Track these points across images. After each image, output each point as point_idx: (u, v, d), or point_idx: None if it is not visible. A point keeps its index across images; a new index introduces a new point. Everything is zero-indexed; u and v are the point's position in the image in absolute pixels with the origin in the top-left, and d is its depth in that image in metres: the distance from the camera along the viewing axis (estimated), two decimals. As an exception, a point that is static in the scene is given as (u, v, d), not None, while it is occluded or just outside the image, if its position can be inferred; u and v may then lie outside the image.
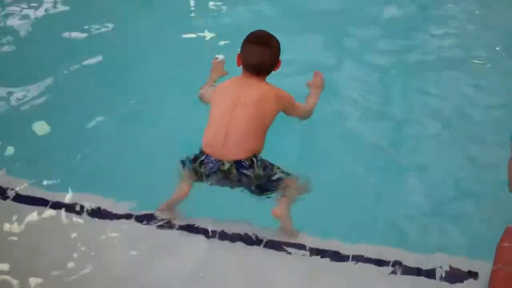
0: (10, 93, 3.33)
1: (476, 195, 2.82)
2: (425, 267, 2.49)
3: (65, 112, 3.25)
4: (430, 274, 2.47)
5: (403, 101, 3.37)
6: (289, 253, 2.55)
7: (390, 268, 2.49)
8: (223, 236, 2.61)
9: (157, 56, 3.62)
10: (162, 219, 2.65)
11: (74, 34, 3.84)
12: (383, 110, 3.31)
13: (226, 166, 2.54)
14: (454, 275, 2.46)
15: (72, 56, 3.61)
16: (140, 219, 2.67)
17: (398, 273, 2.47)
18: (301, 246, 2.57)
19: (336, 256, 2.54)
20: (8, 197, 2.75)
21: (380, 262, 2.51)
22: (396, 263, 2.50)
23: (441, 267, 2.48)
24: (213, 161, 2.55)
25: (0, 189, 2.79)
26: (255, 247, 2.58)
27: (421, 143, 3.11)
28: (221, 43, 3.73)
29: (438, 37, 3.88)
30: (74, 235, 2.60)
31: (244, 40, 2.75)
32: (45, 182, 2.83)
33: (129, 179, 2.85)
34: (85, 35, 3.82)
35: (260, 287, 2.45)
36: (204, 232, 2.62)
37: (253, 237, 2.60)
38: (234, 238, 2.60)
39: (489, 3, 4.19)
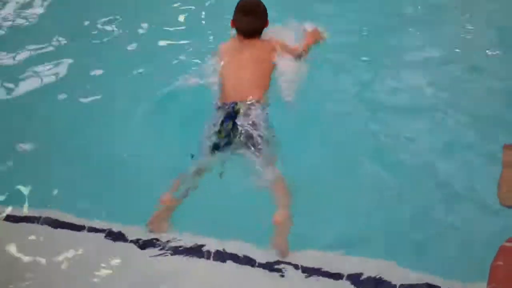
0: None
1: (466, 211, 2.76)
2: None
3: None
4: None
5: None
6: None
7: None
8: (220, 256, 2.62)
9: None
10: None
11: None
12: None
13: (239, 105, 2.93)
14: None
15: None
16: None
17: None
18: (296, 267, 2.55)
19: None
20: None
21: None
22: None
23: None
24: (229, 104, 2.94)
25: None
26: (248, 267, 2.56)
27: (406, 162, 3.04)
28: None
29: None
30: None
31: (236, 9, 3.15)
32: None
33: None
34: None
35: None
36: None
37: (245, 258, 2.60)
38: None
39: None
